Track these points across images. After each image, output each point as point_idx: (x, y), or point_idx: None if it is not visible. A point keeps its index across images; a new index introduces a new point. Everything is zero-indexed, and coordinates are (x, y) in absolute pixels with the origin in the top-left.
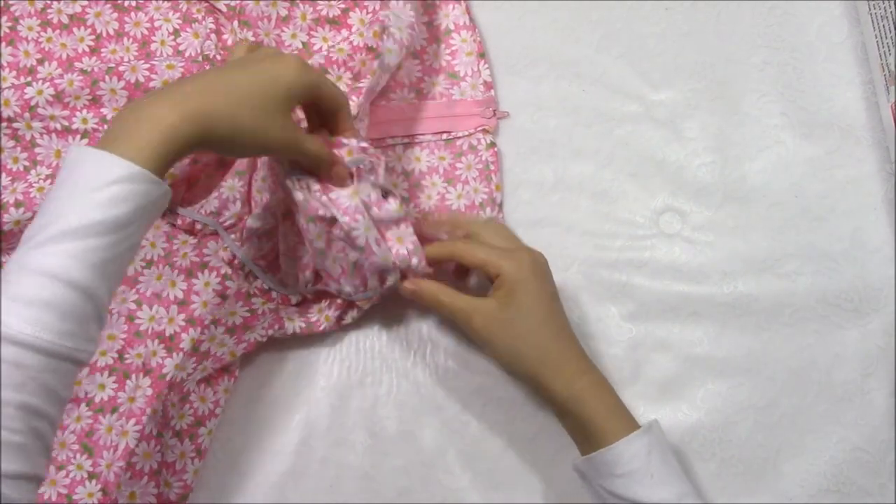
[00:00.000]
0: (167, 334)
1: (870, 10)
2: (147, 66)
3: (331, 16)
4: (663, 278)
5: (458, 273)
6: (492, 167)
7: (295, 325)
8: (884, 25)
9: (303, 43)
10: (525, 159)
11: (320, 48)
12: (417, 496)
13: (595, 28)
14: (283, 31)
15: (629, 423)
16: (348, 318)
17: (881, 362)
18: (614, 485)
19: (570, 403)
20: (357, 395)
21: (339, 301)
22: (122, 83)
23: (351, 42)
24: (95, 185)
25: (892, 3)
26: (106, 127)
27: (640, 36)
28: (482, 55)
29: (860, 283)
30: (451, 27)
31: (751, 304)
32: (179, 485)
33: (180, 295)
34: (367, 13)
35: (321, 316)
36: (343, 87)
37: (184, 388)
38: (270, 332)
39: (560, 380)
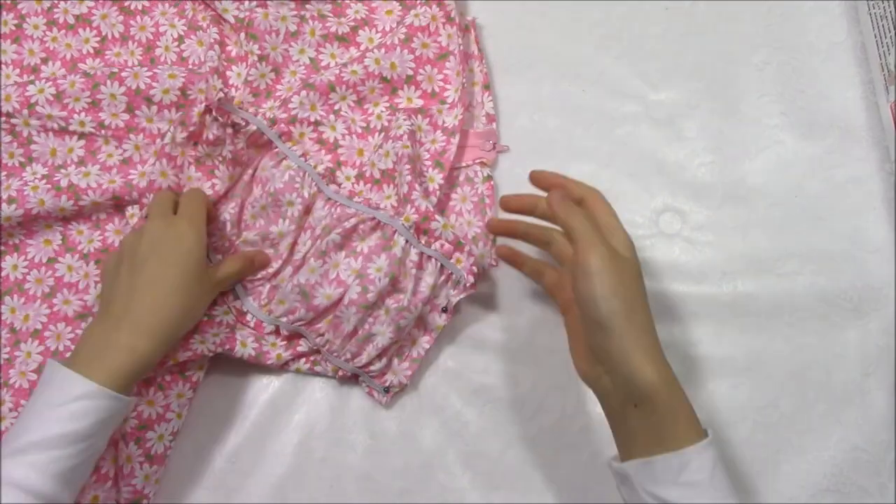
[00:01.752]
0: None
1: (870, 10)
2: (150, 73)
3: (340, 32)
4: (663, 278)
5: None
6: (487, 201)
7: (246, 350)
8: (883, 25)
9: (310, 59)
10: (525, 159)
11: (328, 64)
12: (417, 496)
13: (595, 28)
14: (291, 45)
15: (696, 430)
16: (293, 367)
17: (881, 362)
18: (671, 493)
19: (661, 392)
20: (357, 395)
21: (297, 349)
22: (123, 88)
23: (366, 67)
24: (59, 402)
25: (892, 3)
26: (104, 132)
27: (640, 36)
28: (487, 87)
29: (860, 283)
30: None
31: (751, 304)
32: (128, 489)
33: None
34: (377, 32)
35: (274, 352)
36: (346, 109)
37: None
38: (219, 349)
39: (651, 365)
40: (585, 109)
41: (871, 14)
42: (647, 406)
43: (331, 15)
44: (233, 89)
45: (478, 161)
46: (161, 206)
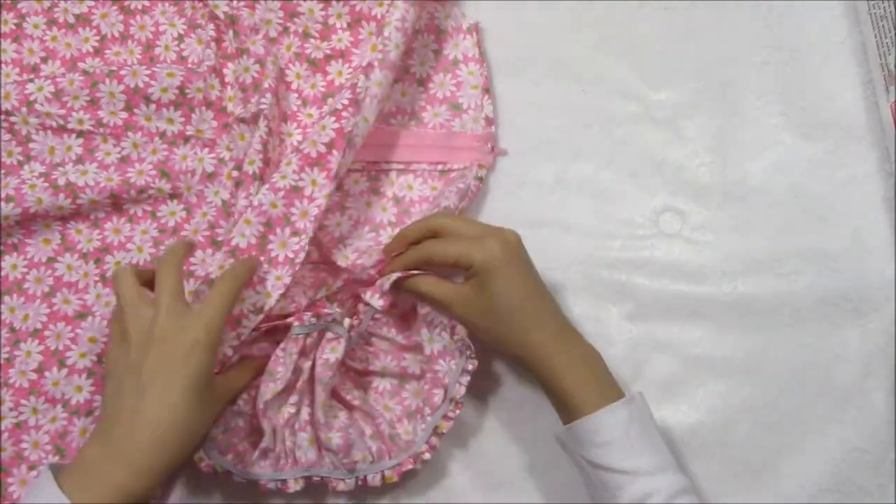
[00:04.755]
0: None
1: (870, 10)
2: (148, 72)
3: (313, 56)
4: (663, 278)
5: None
6: (469, 193)
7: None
8: (884, 25)
9: (279, 68)
10: (525, 159)
11: (291, 82)
12: (418, 496)
13: (595, 28)
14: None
15: (611, 394)
16: None
17: (881, 362)
18: (593, 454)
19: (550, 380)
20: None
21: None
22: (122, 87)
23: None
24: None
25: (892, 3)
26: (102, 130)
27: (640, 36)
28: (487, 90)
29: (860, 283)
30: (460, 58)
31: (751, 304)
32: None
33: None
34: (349, 67)
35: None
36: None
37: None
38: None
39: (539, 357)
40: (585, 109)
41: (871, 14)
42: (551, 390)
43: (316, 36)
44: (228, 87)
45: (475, 163)
46: (171, 287)
